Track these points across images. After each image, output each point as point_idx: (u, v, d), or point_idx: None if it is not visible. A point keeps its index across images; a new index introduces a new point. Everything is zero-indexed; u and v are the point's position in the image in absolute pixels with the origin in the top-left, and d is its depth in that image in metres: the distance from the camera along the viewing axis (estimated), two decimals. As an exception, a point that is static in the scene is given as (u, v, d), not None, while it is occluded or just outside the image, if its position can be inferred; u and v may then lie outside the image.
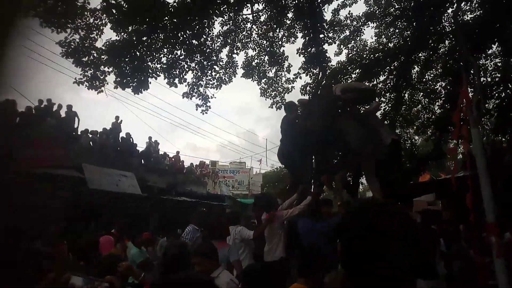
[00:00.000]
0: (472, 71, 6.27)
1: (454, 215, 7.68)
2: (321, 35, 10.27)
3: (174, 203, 14.15)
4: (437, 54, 12.94)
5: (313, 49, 10.22)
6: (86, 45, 8.61)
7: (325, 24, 10.54)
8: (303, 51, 10.39)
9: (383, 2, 13.15)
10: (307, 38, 10.28)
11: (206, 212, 9.66)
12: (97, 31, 8.67)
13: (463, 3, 11.65)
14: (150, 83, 9.85)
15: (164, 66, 10.08)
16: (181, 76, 10.24)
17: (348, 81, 10.64)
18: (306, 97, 11.28)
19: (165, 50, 10.02)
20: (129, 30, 9.23)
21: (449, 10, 11.86)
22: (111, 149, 13.24)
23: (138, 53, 9.38)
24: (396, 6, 12.96)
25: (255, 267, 3.22)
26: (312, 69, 10.50)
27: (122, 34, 9.26)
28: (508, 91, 9.61)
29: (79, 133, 12.26)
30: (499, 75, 11.00)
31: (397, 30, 13.42)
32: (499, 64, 11.20)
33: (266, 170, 35.96)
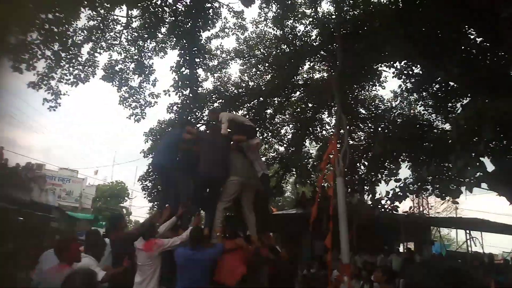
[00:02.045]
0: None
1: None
2: (197, 59, 10.29)
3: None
4: (288, 102, 14.62)
5: (186, 70, 10.12)
6: None
7: (201, 50, 10.62)
8: (176, 70, 10.18)
9: (251, 43, 14.21)
10: (182, 58, 10.14)
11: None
12: None
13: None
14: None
15: (11, 46, 8.30)
16: (31, 62, 8.59)
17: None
18: (172, 115, 11.13)
19: (17, 28, 8.30)
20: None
21: (306, 67, 13.74)
22: None
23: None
24: (262, 51, 14.23)
25: None
26: (182, 90, 10.32)
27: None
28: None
29: None
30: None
31: (258, 72, 14.66)
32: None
33: (100, 182, 32.89)
